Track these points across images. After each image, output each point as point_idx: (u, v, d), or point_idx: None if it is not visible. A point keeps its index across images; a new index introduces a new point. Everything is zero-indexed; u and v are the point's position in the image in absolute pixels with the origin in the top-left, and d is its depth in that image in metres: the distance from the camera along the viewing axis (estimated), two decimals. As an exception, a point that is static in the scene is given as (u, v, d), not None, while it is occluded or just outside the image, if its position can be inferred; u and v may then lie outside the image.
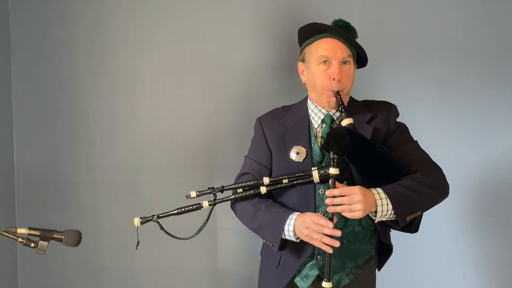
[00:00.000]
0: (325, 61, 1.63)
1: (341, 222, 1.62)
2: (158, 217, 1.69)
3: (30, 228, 1.43)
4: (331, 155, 1.51)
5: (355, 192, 1.47)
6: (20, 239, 1.42)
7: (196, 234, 1.71)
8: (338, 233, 1.49)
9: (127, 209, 2.47)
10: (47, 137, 2.51)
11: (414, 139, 1.71)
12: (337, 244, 1.49)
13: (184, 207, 1.71)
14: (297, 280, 1.70)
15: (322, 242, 1.50)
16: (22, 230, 1.42)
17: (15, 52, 2.51)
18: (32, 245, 1.44)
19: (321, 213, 1.61)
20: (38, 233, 1.44)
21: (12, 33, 2.50)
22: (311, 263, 1.68)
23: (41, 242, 1.44)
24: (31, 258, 2.51)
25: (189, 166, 2.43)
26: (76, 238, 1.49)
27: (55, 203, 2.51)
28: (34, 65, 2.50)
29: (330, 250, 1.50)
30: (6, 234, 1.42)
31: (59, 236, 1.46)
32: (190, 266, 2.47)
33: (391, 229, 1.75)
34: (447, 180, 1.63)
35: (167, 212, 1.70)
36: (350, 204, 1.47)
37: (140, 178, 2.46)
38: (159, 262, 2.48)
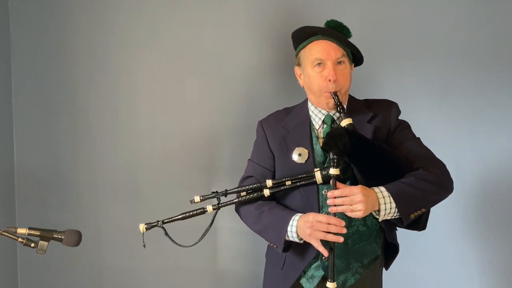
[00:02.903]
0: (319, 64, 1.63)
1: (346, 222, 1.61)
2: (163, 223, 1.70)
3: (30, 228, 1.43)
4: (331, 155, 1.51)
5: (356, 193, 1.47)
6: (20, 239, 1.42)
7: (199, 240, 1.72)
8: (344, 230, 1.50)
9: (127, 209, 2.47)
10: (47, 137, 2.51)
11: (417, 136, 1.71)
12: (341, 240, 1.50)
13: (188, 212, 1.71)
14: (303, 281, 1.70)
15: (321, 244, 1.51)
16: (22, 230, 1.42)
17: (15, 52, 2.51)
18: (32, 245, 1.43)
19: (325, 214, 1.60)
20: (38, 233, 1.44)
21: (12, 33, 2.50)
22: (316, 264, 1.68)
23: (41, 242, 1.44)
24: (31, 258, 2.50)
25: (189, 166, 2.43)
26: (76, 238, 1.48)
27: (55, 203, 2.51)
28: (34, 65, 2.50)
29: (326, 253, 1.51)
30: (6, 234, 1.42)
31: (59, 236, 1.46)
32: (190, 266, 2.47)
33: (397, 228, 1.75)
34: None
35: (171, 218, 1.71)
36: (351, 205, 1.47)
37: (140, 178, 2.46)
38: (159, 262, 2.47)
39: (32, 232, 1.43)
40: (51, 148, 2.51)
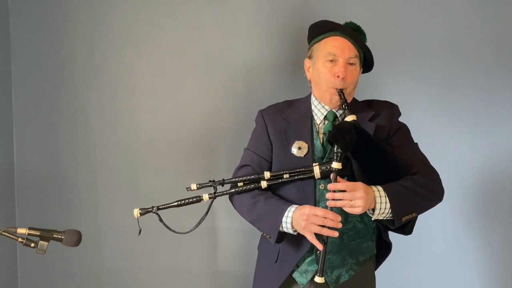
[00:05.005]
0: (331, 60, 1.64)
1: (342, 217, 1.61)
2: (158, 209, 1.70)
3: (30, 228, 1.43)
4: (335, 149, 1.51)
5: (358, 188, 1.48)
6: (20, 239, 1.42)
7: (195, 227, 1.72)
8: (339, 225, 1.50)
9: (127, 209, 2.45)
10: (47, 137, 2.51)
11: (415, 141, 1.72)
12: (335, 234, 1.50)
13: (184, 199, 1.72)
14: (296, 275, 1.70)
15: (315, 237, 1.51)
16: (22, 230, 1.42)
17: (15, 52, 2.50)
18: (32, 245, 1.43)
19: (321, 207, 1.61)
20: (38, 233, 1.44)
21: (12, 33, 2.50)
22: (310, 258, 1.68)
23: (41, 242, 1.44)
24: (31, 258, 2.50)
25: (189, 166, 2.43)
26: (76, 238, 1.48)
27: (55, 203, 2.51)
28: (34, 65, 2.50)
29: (320, 247, 1.51)
30: (6, 234, 1.41)
31: (59, 236, 1.46)
32: (190, 266, 2.47)
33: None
34: (446, 182, 1.65)
35: (167, 204, 1.72)
36: (351, 200, 1.47)
37: (140, 178, 2.46)
38: (159, 262, 2.47)
39: (32, 232, 1.43)
40: (51, 148, 2.51)
